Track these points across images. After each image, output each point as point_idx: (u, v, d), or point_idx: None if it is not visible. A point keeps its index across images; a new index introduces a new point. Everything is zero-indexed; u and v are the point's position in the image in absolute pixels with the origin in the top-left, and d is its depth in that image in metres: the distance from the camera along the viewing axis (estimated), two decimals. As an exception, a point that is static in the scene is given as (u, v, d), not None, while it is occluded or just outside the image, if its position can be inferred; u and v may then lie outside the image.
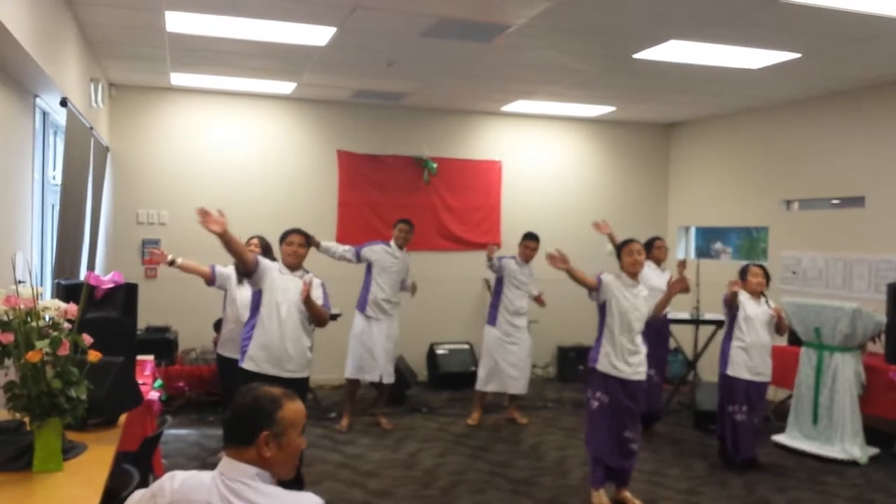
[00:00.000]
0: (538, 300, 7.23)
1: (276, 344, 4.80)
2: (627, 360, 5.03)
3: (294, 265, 4.98)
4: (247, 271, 4.91)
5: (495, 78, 7.31)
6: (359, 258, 6.91)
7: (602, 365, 5.06)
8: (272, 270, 4.92)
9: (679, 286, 5.45)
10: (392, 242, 7.00)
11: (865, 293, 7.13)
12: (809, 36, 5.56)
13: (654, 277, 6.62)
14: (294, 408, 2.11)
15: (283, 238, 5.07)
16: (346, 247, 6.94)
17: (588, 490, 5.20)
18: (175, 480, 2.06)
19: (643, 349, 5.12)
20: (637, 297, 5.08)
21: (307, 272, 5.01)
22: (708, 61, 6.31)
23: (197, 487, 2.02)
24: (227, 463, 2.06)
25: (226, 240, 4.59)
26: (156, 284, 8.02)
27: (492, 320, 7.22)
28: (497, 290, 7.21)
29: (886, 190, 7.08)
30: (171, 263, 5.55)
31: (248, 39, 5.99)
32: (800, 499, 5.31)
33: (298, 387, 4.62)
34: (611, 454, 5.06)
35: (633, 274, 5.10)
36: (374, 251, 6.92)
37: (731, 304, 5.91)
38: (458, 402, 8.05)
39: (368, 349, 6.87)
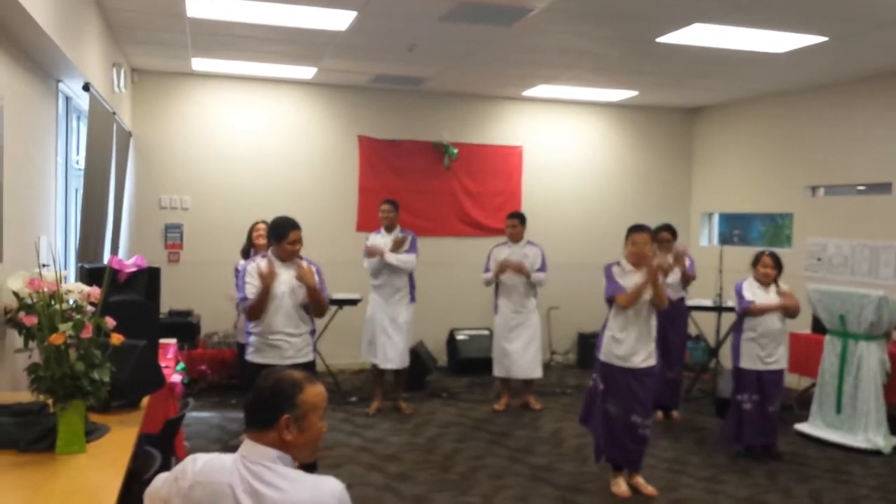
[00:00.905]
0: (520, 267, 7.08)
1: (275, 334, 4.80)
2: (633, 348, 4.98)
3: (290, 259, 4.86)
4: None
5: (516, 62, 7.25)
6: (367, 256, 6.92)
7: (605, 355, 5.05)
8: (260, 266, 4.82)
9: (653, 274, 4.98)
10: (382, 229, 6.96)
11: (892, 280, 7.03)
12: (837, 20, 5.46)
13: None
14: (315, 391, 2.11)
15: (284, 234, 4.74)
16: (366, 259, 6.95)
17: (607, 477, 5.19)
18: (197, 463, 2.07)
19: (653, 335, 5.07)
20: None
21: (302, 258, 4.96)
22: (732, 45, 6.22)
23: (218, 469, 2.04)
24: (248, 446, 2.07)
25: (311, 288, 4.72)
26: (178, 269, 8.08)
27: (495, 308, 7.26)
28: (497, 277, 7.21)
29: (914, 176, 6.96)
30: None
31: (269, 24, 5.98)
32: (822, 488, 5.26)
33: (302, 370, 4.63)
34: (602, 433, 5.05)
35: (636, 263, 5.04)
36: (369, 241, 6.94)
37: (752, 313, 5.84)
38: (478, 387, 8.06)
39: (372, 333, 6.90)
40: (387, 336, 6.87)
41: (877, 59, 6.68)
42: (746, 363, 5.82)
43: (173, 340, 5.20)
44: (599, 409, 5.09)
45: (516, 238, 7.16)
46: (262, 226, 6.10)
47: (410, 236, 6.92)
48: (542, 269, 7.13)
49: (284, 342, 4.78)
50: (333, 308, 7.47)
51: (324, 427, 2.14)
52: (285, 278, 4.80)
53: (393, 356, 6.89)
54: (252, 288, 4.70)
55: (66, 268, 5.25)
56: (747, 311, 5.79)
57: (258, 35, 6.36)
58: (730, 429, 5.94)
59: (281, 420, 2.05)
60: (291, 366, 4.48)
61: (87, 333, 2.69)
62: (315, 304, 4.83)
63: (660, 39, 6.10)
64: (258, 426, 2.07)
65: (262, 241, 6.05)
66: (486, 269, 7.24)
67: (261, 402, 2.09)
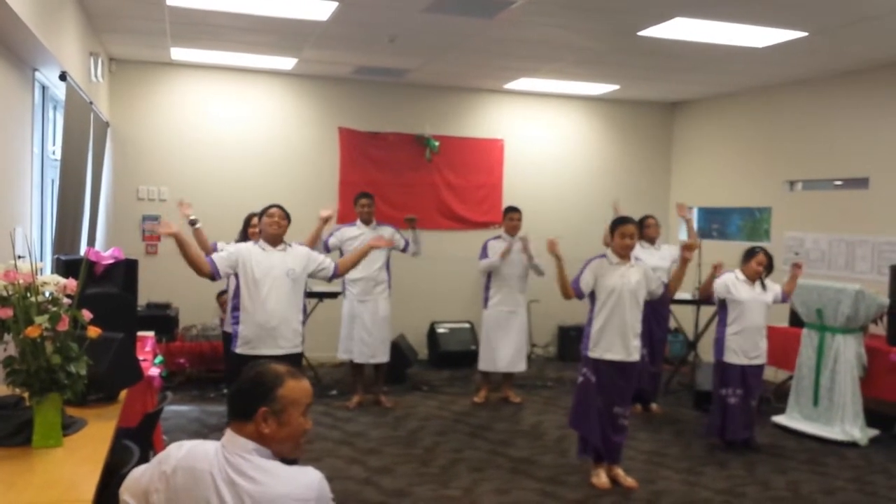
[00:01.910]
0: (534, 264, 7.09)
1: (264, 322, 4.77)
2: (621, 342, 4.99)
3: (275, 238, 4.88)
4: (209, 278, 4.84)
5: (498, 55, 7.24)
6: (328, 249, 6.69)
7: (593, 351, 5.05)
8: (244, 251, 4.84)
9: (689, 251, 5.24)
10: (358, 221, 6.91)
11: (868, 274, 7.11)
12: (816, 14, 5.49)
13: (647, 257, 6.43)
14: (297, 386, 2.10)
15: (263, 212, 4.97)
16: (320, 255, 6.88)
17: (587, 469, 5.21)
18: (182, 448, 2.08)
19: (639, 328, 5.08)
20: (626, 276, 5.01)
21: (290, 245, 4.96)
22: (713, 39, 6.25)
23: (202, 456, 2.04)
24: (228, 436, 2.08)
25: (179, 242, 4.57)
26: (156, 261, 8.01)
27: (484, 302, 7.24)
28: (488, 273, 7.19)
29: (890, 171, 7.04)
30: (193, 223, 5.53)
31: (249, 14, 5.92)
32: (799, 480, 5.32)
33: (292, 362, 4.61)
34: (596, 432, 5.05)
35: (623, 255, 5.06)
36: (335, 236, 6.79)
37: (707, 295, 5.90)
38: (459, 380, 8.06)
39: (351, 330, 6.85)
40: (367, 332, 6.82)
41: (854, 55, 6.74)
42: (731, 358, 5.84)
43: (151, 333, 5.15)
44: (591, 403, 5.06)
45: (515, 232, 7.14)
46: (257, 219, 6.06)
47: (398, 233, 6.93)
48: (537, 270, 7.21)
49: (276, 331, 4.77)
50: (313, 301, 7.45)
51: (307, 423, 2.13)
52: (277, 262, 4.79)
53: (376, 351, 6.87)
54: (220, 259, 4.79)
55: (42, 259, 5.18)
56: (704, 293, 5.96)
57: (238, 24, 6.30)
58: (715, 422, 5.97)
59: (259, 412, 2.04)
60: (281, 357, 4.55)
61: (64, 326, 2.66)
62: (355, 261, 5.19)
63: (641, 33, 6.11)
64: (239, 417, 2.07)
65: (257, 237, 6.03)
66: (483, 257, 7.13)
67: (241, 393, 2.09)
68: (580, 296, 5.09)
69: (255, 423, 2.04)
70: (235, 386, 2.12)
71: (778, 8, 5.37)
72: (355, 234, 6.79)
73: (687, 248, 5.30)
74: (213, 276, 4.79)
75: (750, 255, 5.91)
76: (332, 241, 6.80)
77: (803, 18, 5.63)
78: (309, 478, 2.05)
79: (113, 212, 7.97)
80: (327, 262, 5.08)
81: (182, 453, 2.06)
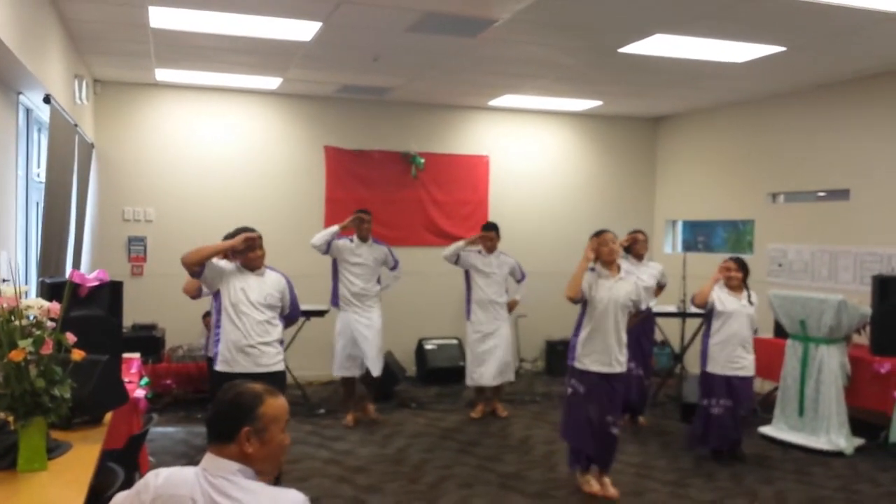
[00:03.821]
0: (511, 304, 7.29)
1: (244, 342, 4.78)
2: (606, 354, 5.03)
3: (256, 267, 4.88)
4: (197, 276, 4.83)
5: (482, 72, 7.30)
6: (329, 249, 6.86)
7: (579, 362, 5.09)
8: (227, 271, 4.82)
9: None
10: (354, 237, 6.96)
11: (851, 285, 7.18)
12: (793, 30, 5.58)
13: (636, 273, 6.49)
14: (276, 404, 2.11)
15: (236, 233, 4.85)
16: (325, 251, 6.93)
17: (575, 483, 5.23)
18: (160, 476, 2.07)
19: (625, 339, 5.12)
20: (615, 289, 5.06)
21: (268, 268, 4.96)
22: (693, 55, 6.33)
23: (180, 483, 2.04)
24: (209, 459, 2.07)
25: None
26: (142, 282, 8.00)
27: (467, 314, 7.29)
28: (468, 285, 7.27)
29: (871, 182, 7.13)
30: None
31: (233, 35, 5.96)
32: (786, 490, 5.35)
33: (275, 380, 4.66)
34: (587, 442, 5.09)
35: (609, 263, 5.11)
36: (337, 246, 6.89)
37: (703, 301, 5.97)
38: (447, 397, 8.06)
39: (349, 344, 6.87)
40: (368, 342, 6.85)
41: (833, 68, 6.84)
42: (714, 368, 5.89)
43: (137, 355, 5.14)
44: (582, 414, 5.09)
45: (492, 250, 7.19)
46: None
47: (391, 254, 7.03)
48: (523, 277, 7.34)
49: (255, 350, 4.77)
50: (301, 320, 7.44)
51: (286, 440, 2.14)
52: (254, 285, 4.79)
53: (378, 362, 6.91)
54: (206, 268, 4.76)
55: (27, 282, 5.17)
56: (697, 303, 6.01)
57: (222, 46, 6.34)
58: (696, 432, 6.02)
59: (241, 433, 2.05)
60: (263, 374, 4.58)
61: (48, 349, 2.66)
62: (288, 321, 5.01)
63: (622, 50, 6.18)
64: (219, 439, 2.08)
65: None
66: (455, 262, 7.20)
67: (221, 415, 2.09)
68: (580, 300, 5.11)
69: (237, 443, 2.05)
70: (214, 408, 2.12)
71: (755, 24, 5.45)
72: (352, 249, 6.89)
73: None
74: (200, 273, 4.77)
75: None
76: (333, 244, 6.88)
77: (781, 34, 5.71)
78: (292, 498, 2.05)
79: (99, 233, 7.96)
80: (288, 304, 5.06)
81: (160, 481, 2.06)
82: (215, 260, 4.78)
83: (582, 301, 5.12)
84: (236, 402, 2.09)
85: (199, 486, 2.02)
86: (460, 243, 7.16)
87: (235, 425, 2.05)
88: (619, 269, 5.17)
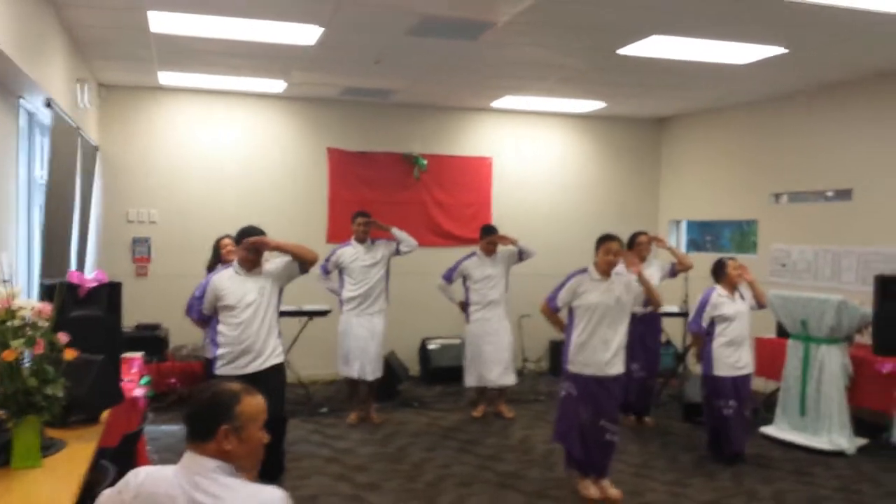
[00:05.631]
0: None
1: (243, 345, 4.82)
2: (601, 357, 5.02)
3: (252, 266, 4.93)
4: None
5: (483, 74, 7.33)
6: (327, 272, 6.97)
7: (574, 365, 5.09)
8: (215, 286, 4.87)
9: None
10: (353, 240, 6.99)
11: (854, 285, 7.16)
12: (795, 31, 5.56)
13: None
14: (253, 402, 2.15)
15: (239, 238, 4.95)
16: (323, 276, 7.03)
17: (575, 483, 5.24)
18: (139, 475, 2.11)
19: (622, 342, 5.10)
20: (608, 292, 5.06)
21: (264, 263, 5.00)
22: (693, 57, 6.32)
23: (159, 481, 2.07)
24: (189, 457, 2.10)
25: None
26: (146, 283, 8.06)
27: (467, 317, 7.30)
28: (466, 287, 7.30)
29: (874, 182, 7.11)
30: None
31: (235, 39, 6.00)
32: (787, 490, 5.34)
33: (275, 372, 4.84)
34: (578, 446, 5.08)
35: (605, 272, 5.11)
36: (336, 255, 6.95)
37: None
38: (450, 396, 8.09)
39: (347, 346, 6.90)
40: (365, 349, 6.87)
41: (835, 68, 6.82)
42: (721, 370, 5.87)
43: (138, 354, 5.20)
44: (575, 418, 5.09)
45: (492, 253, 7.21)
46: (227, 240, 6.10)
47: (389, 243, 7.07)
48: (528, 254, 7.26)
49: (255, 349, 4.83)
50: (303, 319, 7.50)
51: (264, 437, 2.17)
52: (252, 287, 4.84)
53: (373, 368, 6.92)
54: (205, 306, 4.93)
55: (29, 284, 5.23)
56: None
57: (225, 50, 6.38)
58: (713, 437, 5.97)
59: (220, 431, 2.08)
60: (265, 371, 4.71)
61: (39, 349, 2.71)
62: (300, 258, 4.99)
63: (620, 51, 6.19)
64: (198, 438, 2.10)
65: (232, 256, 6.05)
66: (448, 278, 7.26)
67: (199, 413, 2.12)
68: (555, 311, 5.15)
69: (216, 441, 2.08)
70: (192, 408, 2.15)
71: (756, 25, 5.43)
72: (351, 254, 6.90)
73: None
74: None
75: (719, 267, 6.00)
76: (329, 265, 6.93)
77: (781, 35, 5.70)
78: (270, 494, 2.07)
79: (103, 234, 8.03)
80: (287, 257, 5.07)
81: (140, 480, 2.09)
82: (208, 295, 4.89)
83: (567, 310, 5.16)
84: (214, 401, 2.12)
85: (178, 483, 2.05)
86: (451, 297, 7.33)
87: (213, 424, 2.08)
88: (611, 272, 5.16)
